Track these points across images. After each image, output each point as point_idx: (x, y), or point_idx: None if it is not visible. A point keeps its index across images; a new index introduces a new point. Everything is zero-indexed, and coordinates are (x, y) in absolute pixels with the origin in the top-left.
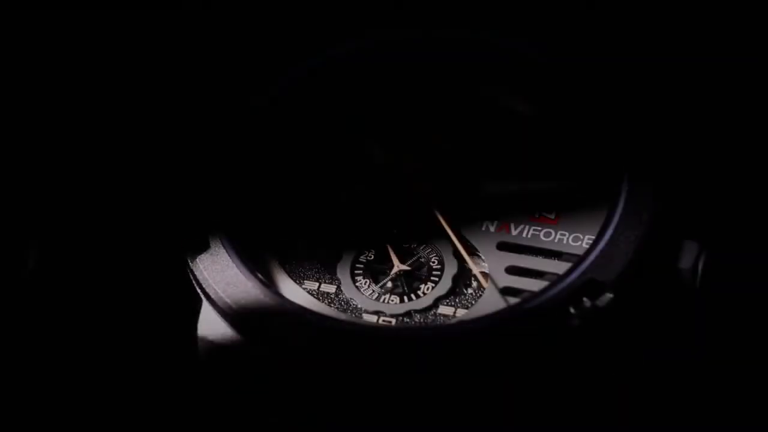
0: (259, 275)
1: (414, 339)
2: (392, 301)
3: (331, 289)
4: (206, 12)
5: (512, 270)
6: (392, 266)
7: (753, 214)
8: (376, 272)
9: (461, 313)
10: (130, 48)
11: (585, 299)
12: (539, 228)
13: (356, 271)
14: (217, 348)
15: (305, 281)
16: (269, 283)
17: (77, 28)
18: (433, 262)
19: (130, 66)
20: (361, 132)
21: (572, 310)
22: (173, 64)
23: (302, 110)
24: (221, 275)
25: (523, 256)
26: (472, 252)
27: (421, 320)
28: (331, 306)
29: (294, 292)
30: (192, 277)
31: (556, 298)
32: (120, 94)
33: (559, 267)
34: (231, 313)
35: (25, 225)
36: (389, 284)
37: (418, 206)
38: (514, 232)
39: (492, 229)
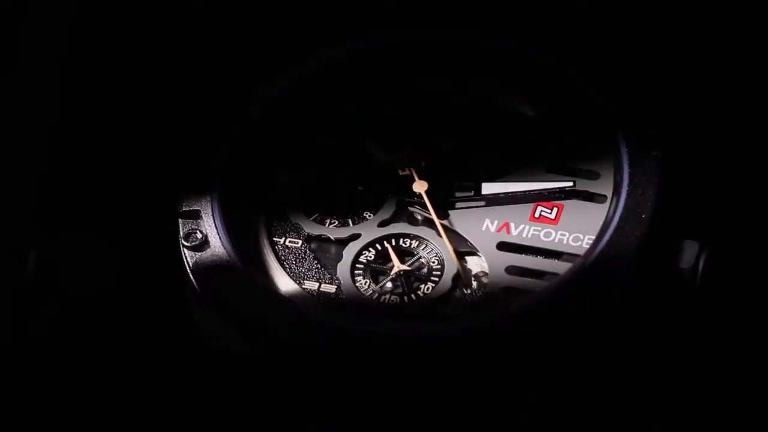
0: (259, 275)
1: (414, 339)
2: (392, 301)
3: (331, 289)
4: (207, 11)
5: (512, 270)
6: (392, 266)
7: (753, 214)
8: (376, 272)
9: (461, 313)
10: (131, 46)
11: None
12: (539, 228)
13: (356, 271)
14: (217, 348)
15: (305, 281)
16: (269, 283)
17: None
18: (433, 262)
19: (132, 67)
20: (361, 132)
21: None
22: (169, 66)
23: (302, 110)
24: (221, 275)
25: (523, 256)
26: (471, 252)
27: (421, 320)
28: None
29: (294, 292)
30: (192, 277)
31: (555, 298)
32: (122, 93)
33: (559, 267)
34: (231, 313)
35: (24, 225)
36: (389, 284)
37: (418, 206)
38: (514, 232)
39: (492, 229)
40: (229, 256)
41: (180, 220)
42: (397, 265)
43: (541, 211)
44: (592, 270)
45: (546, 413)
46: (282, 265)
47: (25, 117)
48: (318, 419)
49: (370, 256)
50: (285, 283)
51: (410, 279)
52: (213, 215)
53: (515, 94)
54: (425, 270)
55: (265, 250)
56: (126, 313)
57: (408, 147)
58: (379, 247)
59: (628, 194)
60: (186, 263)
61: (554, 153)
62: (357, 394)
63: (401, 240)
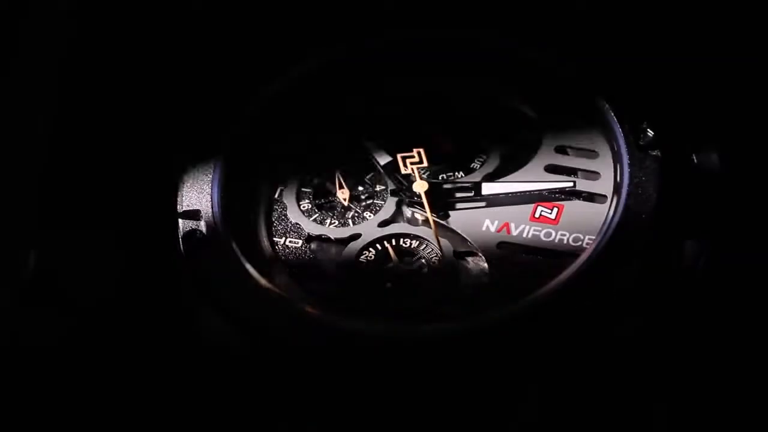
0: (259, 275)
1: (414, 339)
2: (392, 301)
3: (331, 289)
4: (207, 11)
5: (512, 270)
6: (392, 266)
7: (754, 214)
8: (376, 272)
9: (461, 312)
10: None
11: None
12: (539, 228)
13: (356, 271)
14: (217, 348)
15: (305, 281)
16: (269, 283)
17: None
18: (434, 262)
19: (132, 67)
20: (361, 132)
21: None
22: (170, 66)
23: (302, 110)
24: (221, 275)
25: (523, 256)
26: (471, 253)
27: (421, 320)
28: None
29: (294, 291)
30: (192, 277)
31: (556, 298)
32: (122, 93)
33: (559, 267)
34: (231, 313)
35: (24, 225)
36: (389, 284)
37: (418, 206)
38: (514, 232)
39: (492, 229)
40: (229, 255)
41: (180, 220)
42: (398, 265)
43: (542, 211)
44: (592, 270)
45: (546, 413)
46: (282, 265)
47: (25, 117)
48: (318, 419)
49: (370, 256)
50: (285, 283)
51: (410, 279)
52: (213, 215)
53: (515, 94)
54: (425, 270)
55: (265, 250)
56: (125, 313)
57: (408, 147)
58: (379, 247)
59: (628, 194)
60: (186, 263)
61: (554, 153)
62: (357, 394)
63: (401, 240)
